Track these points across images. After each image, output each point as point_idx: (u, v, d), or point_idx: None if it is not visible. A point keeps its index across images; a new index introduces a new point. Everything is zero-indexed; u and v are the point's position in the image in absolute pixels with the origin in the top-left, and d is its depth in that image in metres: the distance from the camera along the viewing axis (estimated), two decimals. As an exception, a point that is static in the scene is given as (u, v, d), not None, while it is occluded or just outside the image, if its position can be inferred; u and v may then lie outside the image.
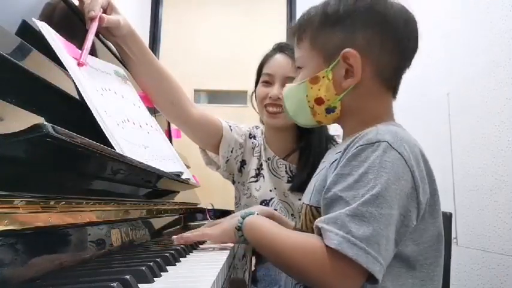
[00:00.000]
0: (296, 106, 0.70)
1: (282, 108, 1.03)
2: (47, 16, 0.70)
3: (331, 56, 0.64)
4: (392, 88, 0.67)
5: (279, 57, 1.12)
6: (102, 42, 0.93)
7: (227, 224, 0.77)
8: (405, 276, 0.56)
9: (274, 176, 1.15)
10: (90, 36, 0.78)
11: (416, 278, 0.57)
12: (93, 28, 0.80)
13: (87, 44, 0.76)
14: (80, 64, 0.71)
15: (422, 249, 0.57)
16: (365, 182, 0.52)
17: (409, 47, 0.65)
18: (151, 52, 1.03)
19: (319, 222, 0.53)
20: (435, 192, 0.59)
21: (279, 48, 1.14)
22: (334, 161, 0.61)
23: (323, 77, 0.64)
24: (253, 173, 1.17)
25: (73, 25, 0.81)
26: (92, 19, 0.81)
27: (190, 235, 0.77)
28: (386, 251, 0.51)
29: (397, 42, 0.63)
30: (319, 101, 0.65)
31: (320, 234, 0.54)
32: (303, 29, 0.68)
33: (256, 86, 1.19)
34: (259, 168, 1.17)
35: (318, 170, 0.70)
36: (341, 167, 0.56)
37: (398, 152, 0.54)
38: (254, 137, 1.22)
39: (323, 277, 0.51)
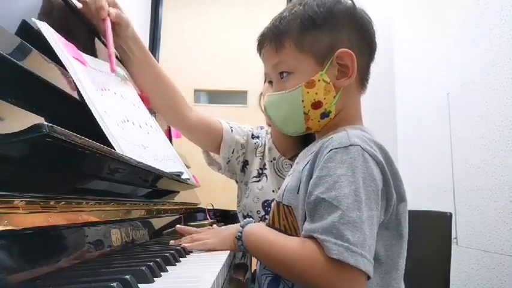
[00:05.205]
0: (286, 113, 0.68)
1: None
2: (47, 16, 0.70)
3: (323, 57, 0.64)
4: (364, 86, 0.70)
5: None
6: (103, 42, 0.93)
7: (227, 232, 0.75)
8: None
9: (279, 176, 1.15)
10: (110, 40, 0.78)
11: (383, 272, 0.59)
12: (108, 30, 0.79)
13: (111, 49, 0.77)
14: (112, 70, 0.77)
15: (387, 245, 0.60)
16: (345, 182, 0.54)
17: (375, 46, 0.70)
18: (151, 55, 1.03)
19: (314, 232, 0.54)
20: (402, 192, 0.61)
21: None
22: (307, 163, 0.62)
23: (319, 80, 0.64)
24: (255, 173, 1.16)
25: (73, 25, 0.81)
26: (104, 19, 0.80)
27: (191, 244, 0.75)
28: (373, 248, 0.54)
29: (370, 42, 0.68)
30: (316, 105, 0.65)
31: (306, 237, 0.55)
32: (283, 35, 0.66)
33: None
34: (262, 168, 1.17)
35: (291, 171, 0.70)
36: (319, 170, 0.58)
37: (370, 155, 0.57)
38: (257, 137, 1.21)
39: (328, 285, 0.52)
